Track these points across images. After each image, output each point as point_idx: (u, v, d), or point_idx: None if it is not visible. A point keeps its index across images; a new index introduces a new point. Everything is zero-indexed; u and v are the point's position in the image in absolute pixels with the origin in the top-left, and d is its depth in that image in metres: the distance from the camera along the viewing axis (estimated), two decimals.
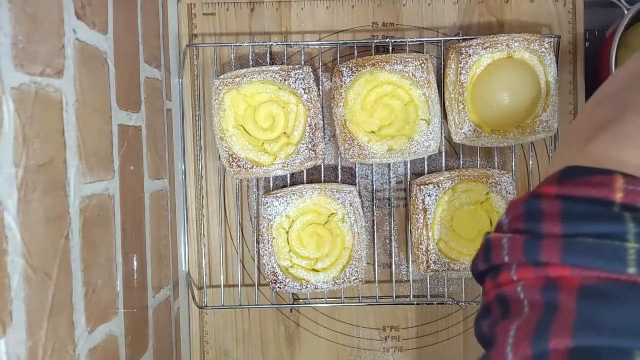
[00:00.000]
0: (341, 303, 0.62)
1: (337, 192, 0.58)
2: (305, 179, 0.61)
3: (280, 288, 0.58)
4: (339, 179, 0.62)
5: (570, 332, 0.25)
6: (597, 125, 0.32)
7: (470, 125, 0.57)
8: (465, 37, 0.59)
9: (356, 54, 0.60)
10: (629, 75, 0.33)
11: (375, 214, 0.62)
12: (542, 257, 0.28)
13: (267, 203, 0.58)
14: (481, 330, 0.31)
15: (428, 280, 0.62)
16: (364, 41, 0.61)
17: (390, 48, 0.60)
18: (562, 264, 0.27)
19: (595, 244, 0.27)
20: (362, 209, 0.59)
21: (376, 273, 0.63)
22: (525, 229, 0.30)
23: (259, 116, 0.58)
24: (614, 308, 0.25)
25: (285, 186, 0.61)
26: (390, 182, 0.63)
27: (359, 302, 0.62)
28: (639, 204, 0.27)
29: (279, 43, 0.60)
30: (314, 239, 0.58)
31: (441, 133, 0.58)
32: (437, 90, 0.57)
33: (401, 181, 0.63)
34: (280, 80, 0.57)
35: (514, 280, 0.29)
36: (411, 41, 0.61)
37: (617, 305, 0.25)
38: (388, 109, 0.57)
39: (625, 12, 0.57)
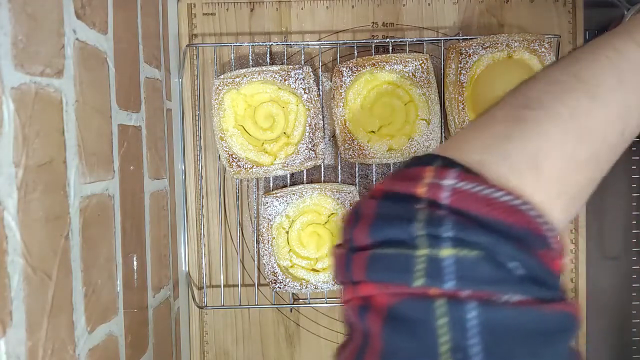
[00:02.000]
0: (341, 303, 0.62)
1: (337, 192, 0.58)
2: (305, 179, 0.61)
3: (280, 288, 0.58)
4: (339, 179, 0.62)
5: None
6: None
7: None
8: (465, 37, 0.59)
9: (356, 54, 0.60)
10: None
11: None
12: (354, 275, 0.24)
13: (267, 203, 0.58)
14: None
15: None
16: (364, 41, 0.61)
17: (390, 48, 0.60)
18: (368, 280, 0.24)
19: (391, 255, 0.23)
20: None
21: None
22: (345, 239, 0.26)
23: (259, 116, 0.58)
24: (408, 330, 0.22)
25: (285, 186, 0.61)
26: None
27: None
28: (439, 200, 0.23)
29: (279, 43, 0.60)
30: (314, 239, 0.58)
31: (441, 133, 0.58)
32: (437, 90, 0.57)
33: None
34: (280, 80, 0.57)
35: (345, 301, 0.26)
36: (411, 41, 0.61)
37: (411, 326, 0.22)
38: (388, 109, 0.57)
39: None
